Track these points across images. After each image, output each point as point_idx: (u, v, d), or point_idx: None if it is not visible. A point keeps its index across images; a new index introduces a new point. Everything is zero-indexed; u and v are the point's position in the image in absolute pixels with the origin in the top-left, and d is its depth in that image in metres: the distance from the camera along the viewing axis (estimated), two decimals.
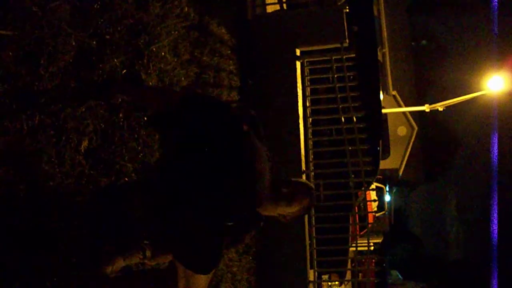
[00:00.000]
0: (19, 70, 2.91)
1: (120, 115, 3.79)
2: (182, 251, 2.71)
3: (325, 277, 7.81)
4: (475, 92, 14.19)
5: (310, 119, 7.05)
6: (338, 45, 6.98)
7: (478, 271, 30.00)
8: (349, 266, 7.72)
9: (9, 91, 2.83)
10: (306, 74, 7.16)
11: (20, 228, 2.80)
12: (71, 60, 3.30)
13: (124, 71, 3.85)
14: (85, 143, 3.38)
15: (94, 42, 3.57)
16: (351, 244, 7.45)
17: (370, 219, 12.40)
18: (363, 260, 8.03)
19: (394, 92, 17.34)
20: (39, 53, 3.05)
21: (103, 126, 3.58)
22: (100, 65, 3.58)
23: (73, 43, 3.34)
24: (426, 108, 14.50)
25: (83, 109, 3.38)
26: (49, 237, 2.98)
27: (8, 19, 2.88)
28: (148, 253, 3.16)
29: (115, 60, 3.75)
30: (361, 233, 8.86)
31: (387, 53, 16.80)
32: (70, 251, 3.09)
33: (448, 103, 14.12)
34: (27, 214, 2.87)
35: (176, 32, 4.79)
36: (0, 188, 2.73)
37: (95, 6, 3.62)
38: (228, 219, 2.70)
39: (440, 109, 14.30)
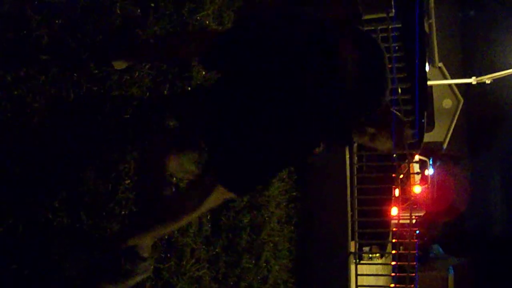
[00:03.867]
0: (66, 38, 2.94)
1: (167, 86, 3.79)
2: (235, 171, 2.53)
3: (366, 248, 7.79)
4: None
5: None
6: (384, 15, 6.86)
7: None
8: (390, 238, 7.69)
9: (55, 59, 2.86)
10: None
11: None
12: (116, 28, 3.32)
13: None
14: (130, 110, 3.41)
15: (139, 11, 3.58)
16: (393, 217, 7.43)
17: (413, 192, 12.30)
18: (405, 233, 7.98)
19: (440, 64, 17.03)
20: (86, 21, 3.08)
21: (148, 94, 3.60)
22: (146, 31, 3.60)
23: (118, 11, 3.35)
24: (473, 80, 14.22)
25: (128, 77, 3.40)
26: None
27: None
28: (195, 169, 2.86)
29: (159, 28, 3.75)
30: (404, 205, 8.78)
31: (433, 24, 16.46)
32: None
33: (496, 75, 13.80)
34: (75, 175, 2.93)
35: (220, 0, 4.77)
36: (48, 152, 2.78)
37: None
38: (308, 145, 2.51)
39: (488, 81, 13.99)
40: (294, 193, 6.58)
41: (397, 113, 2.73)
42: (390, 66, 6.73)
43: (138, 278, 2.81)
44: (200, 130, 2.68)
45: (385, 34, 6.79)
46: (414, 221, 7.38)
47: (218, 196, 2.59)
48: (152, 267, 3.02)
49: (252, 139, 2.44)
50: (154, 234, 2.90)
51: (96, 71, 3.11)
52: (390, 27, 6.77)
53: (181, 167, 2.84)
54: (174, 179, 3.49)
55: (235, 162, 2.51)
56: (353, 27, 2.49)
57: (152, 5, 3.74)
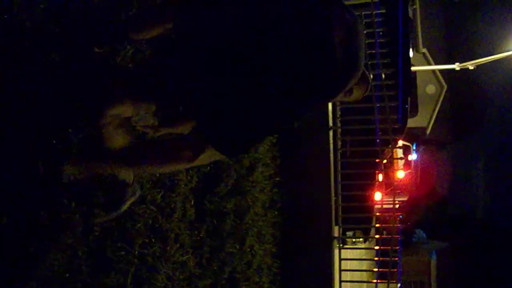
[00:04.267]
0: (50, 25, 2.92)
1: None
2: (228, 128, 2.44)
3: (349, 233, 7.84)
4: (507, 51, 13.91)
5: None
6: (369, 0, 6.86)
7: (504, 233, 29.88)
8: (374, 223, 7.75)
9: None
10: None
11: None
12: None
13: None
14: None
15: None
16: (376, 202, 7.48)
17: (396, 177, 12.39)
18: (388, 218, 8.05)
19: (424, 50, 17.09)
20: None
21: None
22: None
23: None
24: (456, 66, 14.28)
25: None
26: None
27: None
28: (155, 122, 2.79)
29: None
30: (387, 190, 8.85)
31: (418, 9, 16.49)
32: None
33: (479, 61, 13.88)
34: None
35: None
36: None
37: None
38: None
39: (471, 67, 14.06)
40: (278, 178, 6.59)
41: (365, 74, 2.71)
42: (374, 51, 6.75)
43: (129, 202, 2.97)
44: (183, 95, 2.58)
45: (369, 20, 6.79)
46: (397, 206, 7.44)
47: (210, 154, 2.55)
48: (139, 190, 3.07)
49: (239, 101, 2.38)
50: (143, 170, 3.00)
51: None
52: (374, 12, 6.78)
53: (138, 114, 2.75)
54: None
55: (222, 125, 2.45)
56: (341, 6, 2.41)
57: None
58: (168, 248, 3.93)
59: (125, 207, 2.98)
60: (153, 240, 3.74)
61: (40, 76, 2.81)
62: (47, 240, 2.74)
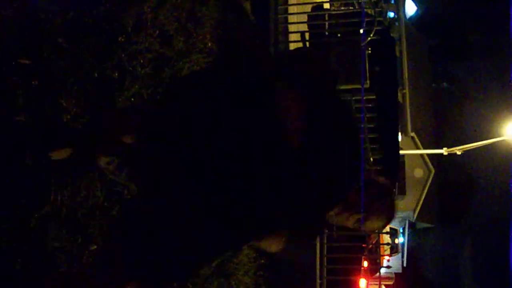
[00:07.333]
0: (41, 100, 2.93)
1: None
2: None
3: None
4: (494, 137, 14.10)
5: None
6: (359, 86, 6.96)
7: None
8: None
9: (29, 121, 2.84)
10: None
11: None
12: (92, 91, 3.31)
13: None
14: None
15: (116, 74, 3.59)
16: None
17: (382, 262, 12.27)
18: None
19: (412, 134, 17.32)
20: (62, 84, 3.07)
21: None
22: (119, 99, 3.59)
23: (95, 75, 3.36)
24: (444, 151, 14.40)
25: None
26: None
27: (33, 49, 2.91)
28: None
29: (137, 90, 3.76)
30: (373, 276, 8.76)
31: (407, 94, 16.80)
32: None
33: (467, 147, 14.02)
34: None
35: (198, 67, 4.81)
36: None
37: (120, 39, 3.65)
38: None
39: (459, 152, 14.19)
40: (263, 261, 6.49)
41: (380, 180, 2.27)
42: (363, 136, 6.80)
43: None
44: None
45: (359, 105, 6.88)
46: None
47: None
48: None
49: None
50: None
51: None
52: (364, 98, 6.87)
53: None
54: None
55: None
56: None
57: (130, 69, 3.75)
58: None
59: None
60: None
61: None
62: None
